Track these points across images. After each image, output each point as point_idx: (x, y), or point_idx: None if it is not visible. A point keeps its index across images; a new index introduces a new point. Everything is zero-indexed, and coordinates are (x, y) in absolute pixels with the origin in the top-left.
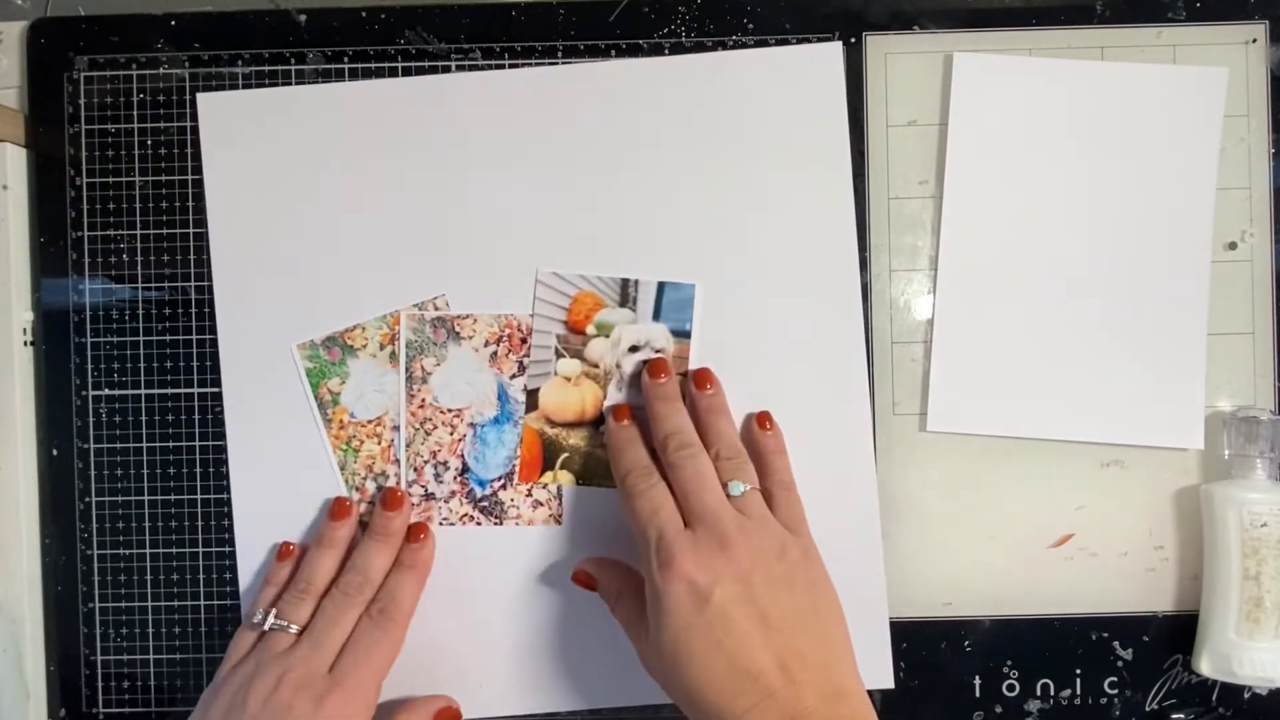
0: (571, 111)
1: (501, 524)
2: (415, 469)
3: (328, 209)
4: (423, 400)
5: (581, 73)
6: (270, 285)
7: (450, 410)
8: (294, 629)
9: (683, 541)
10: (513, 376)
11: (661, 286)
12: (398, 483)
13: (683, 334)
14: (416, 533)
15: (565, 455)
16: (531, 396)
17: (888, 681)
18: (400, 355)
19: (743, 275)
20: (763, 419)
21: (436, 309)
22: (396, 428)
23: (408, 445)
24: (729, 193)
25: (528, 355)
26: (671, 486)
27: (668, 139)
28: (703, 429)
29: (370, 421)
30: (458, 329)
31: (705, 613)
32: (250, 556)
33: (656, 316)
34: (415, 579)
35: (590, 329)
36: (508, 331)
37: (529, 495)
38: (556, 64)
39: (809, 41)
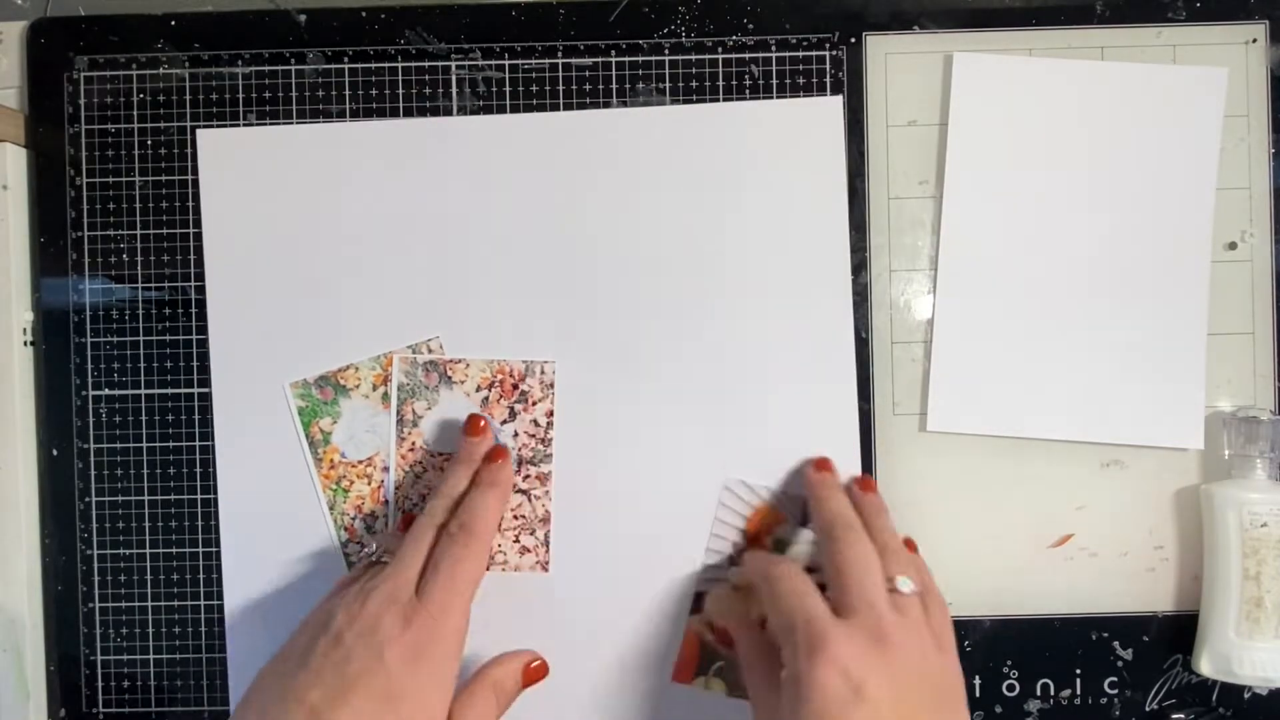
0: (570, 157)
1: (488, 569)
2: (404, 512)
3: (325, 247)
4: (413, 443)
5: (578, 120)
6: (265, 322)
7: (440, 454)
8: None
9: (836, 630)
10: (503, 422)
11: None
12: (386, 525)
13: None
14: (495, 454)
15: (720, 664)
16: (699, 599)
17: None
18: (392, 397)
19: (739, 317)
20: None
21: (430, 351)
22: (387, 469)
23: (396, 488)
24: (723, 242)
25: (519, 401)
26: (826, 570)
27: (666, 185)
28: (866, 527)
29: (361, 462)
30: (450, 373)
31: (858, 707)
32: (237, 598)
33: None
34: (496, 495)
35: (768, 542)
36: (499, 377)
37: (516, 541)
38: (556, 112)
39: (809, 42)
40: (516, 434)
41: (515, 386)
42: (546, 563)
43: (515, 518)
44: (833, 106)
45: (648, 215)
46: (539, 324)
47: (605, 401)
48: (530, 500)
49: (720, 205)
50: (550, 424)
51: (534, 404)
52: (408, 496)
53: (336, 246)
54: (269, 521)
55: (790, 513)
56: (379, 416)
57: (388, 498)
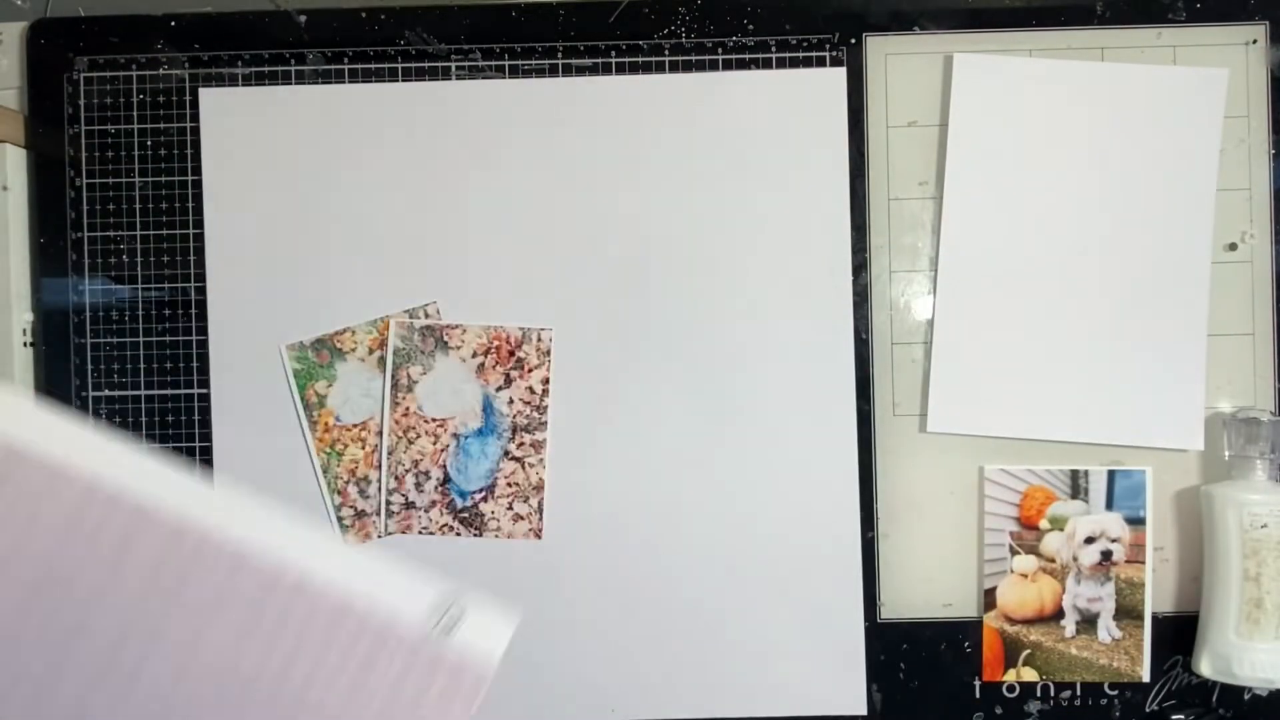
0: (570, 124)
1: (481, 536)
2: (396, 477)
3: (325, 209)
4: (407, 408)
5: (580, 86)
6: (263, 283)
7: (434, 420)
8: None
9: None
10: (499, 389)
11: (1112, 475)
12: (379, 489)
13: (1137, 521)
14: None
15: (1027, 652)
16: (989, 595)
17: (859, 704)
18: (387, 362)
19: (735, 291)
20: None
21: (427, 316)
22: (381, 433)
23: (389, 453)
24: (724, 208)
25: (515, 368)
26: None
27: (667, 153)
28: None
29: (356, 426)
30: (446, 339)
31: None
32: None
33: (1109, 505)
34: None
35: (1043, 523)
36: (496, 343)
37: (509, 509)
38: (557, 78)
39: (809, 42)
40: (512, 401)
41: (511, 353)
42: (540, 530)
43: (509, 485)
44: (836, 78)
45: (648, 185)
46: (537, 291)
47: (602, 370)
48: (524, 468)
49: (721, 175)
50: (546, 391)
51: (530, 371)
52: (400, 462)
53: (336, 208)
54: (262, 483)
55: (1058, 487)
56: (375, 380)
57: (381, 462)
